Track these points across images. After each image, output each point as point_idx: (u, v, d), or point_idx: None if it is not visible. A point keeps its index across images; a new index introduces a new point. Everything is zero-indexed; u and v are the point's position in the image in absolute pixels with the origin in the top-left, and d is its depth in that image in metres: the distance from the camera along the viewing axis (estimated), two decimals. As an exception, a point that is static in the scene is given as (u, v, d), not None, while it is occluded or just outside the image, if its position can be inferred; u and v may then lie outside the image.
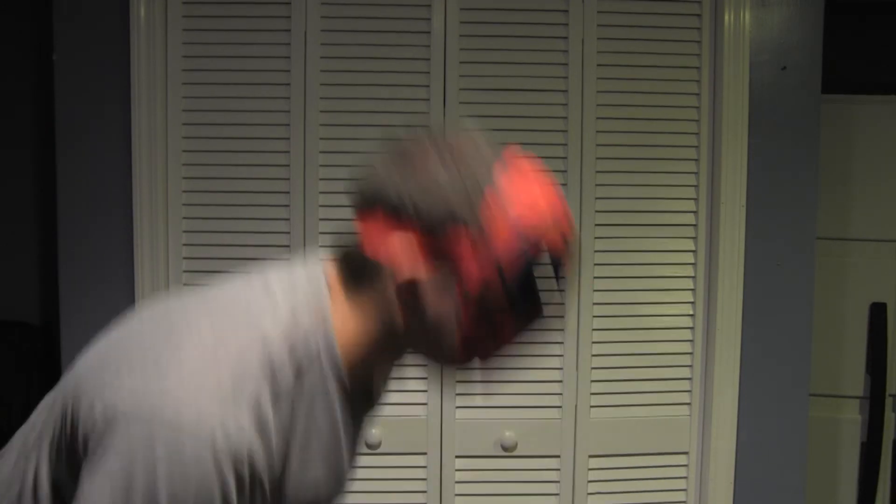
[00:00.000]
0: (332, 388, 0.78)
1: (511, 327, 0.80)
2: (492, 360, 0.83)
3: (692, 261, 1.78)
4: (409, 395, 1.75)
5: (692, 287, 1.79)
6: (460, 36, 1.72)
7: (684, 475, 1.81)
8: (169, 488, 0.65)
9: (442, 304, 0.76)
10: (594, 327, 1.76)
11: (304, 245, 1.73)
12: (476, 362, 0.84)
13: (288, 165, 1.72)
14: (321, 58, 1.71)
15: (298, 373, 0.74)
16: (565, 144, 1.74)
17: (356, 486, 1.88)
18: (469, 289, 0.75)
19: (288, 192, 1.73)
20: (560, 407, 1.77)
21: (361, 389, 0.83)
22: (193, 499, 0.66)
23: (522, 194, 0.74)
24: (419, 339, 0.81)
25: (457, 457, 1.77)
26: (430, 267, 0.75)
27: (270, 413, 0.71)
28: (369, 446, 1.75)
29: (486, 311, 0.77)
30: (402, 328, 0.79)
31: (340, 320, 0.78)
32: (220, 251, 1.74)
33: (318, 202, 1.73)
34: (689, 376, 1.79)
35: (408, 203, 0.73)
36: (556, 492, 1.78)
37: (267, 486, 0.73)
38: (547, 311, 0.80)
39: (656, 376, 1.79)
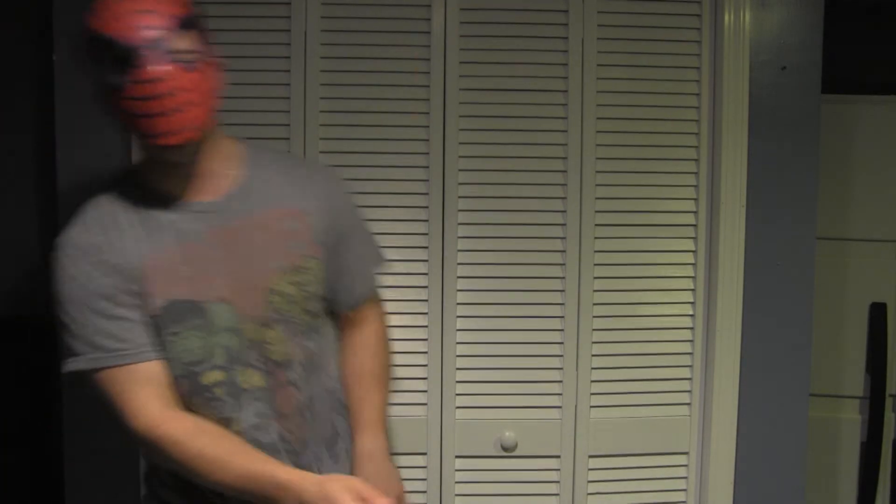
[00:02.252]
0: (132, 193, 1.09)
1: (125, 96, 0.99)
2: (159, 125, 1.01)
3: (692, 261, 1.78)
4: (409, 396, 1.75)
5: (692, 287, 1.79)
6: (460, 36, 1.72)
7: (684, 475, 1.81)
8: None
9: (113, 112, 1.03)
10: (594, 327, 1.76)
11: (304, 245, 1.73)
12: (156, 133, 1.01)
13: (288, 165, 1.72)
14: (321, 58, 1.71)
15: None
16: (565, 144, 1.74)
17: (356, 486, 1.86)
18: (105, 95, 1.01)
19: (288, 193, 1.72)
20: (560, 407, 1.77)
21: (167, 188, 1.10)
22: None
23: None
24: (138, 140, 1.07)
25: (457, 457, 1.77)
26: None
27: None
28: (369, 446, 1.75)
29: (117, 102, 1.00)
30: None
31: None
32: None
33: (318, 202, 1.73)
34: (689, 376, 1.79)
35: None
36: (556, 492, 1.78)
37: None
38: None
39: (656, 376, 1.79)
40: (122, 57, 0.97)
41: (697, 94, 1.76)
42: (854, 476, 2.20)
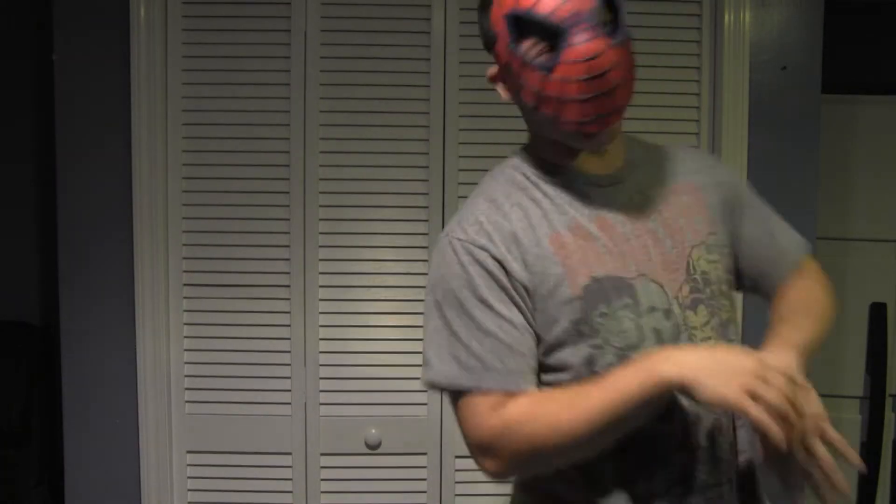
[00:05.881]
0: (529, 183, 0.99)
1: (555, 79, 0.89)
2: (593, 108, 0.89)
3: (692, 261, 1.78)
4: (409, 396, 1.75)
5: (692, 287, 1.78)
6: (460, 36, 1.72)
7: (684, 475, 1.81)
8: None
9: (520, 88, 0.95)
10: (594, 327, 1.76)
11: (304, 244, 1.73)
12: (589, 119, 0.90)
13: (288, 165, 1.72)
14: (321, 58, 1.71)
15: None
16: (565, 144, 1.74)
17: (356, 486, 1.88)
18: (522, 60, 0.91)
19: (288, 193, 1.73)
20: (560, 407, 1.77)
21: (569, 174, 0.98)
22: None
23: None
24: (538, 125, 1.00)
25: (456, 457, 1.76)
26: (500, 70, 1.00)
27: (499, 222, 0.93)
28: (369, 446, 1.75)
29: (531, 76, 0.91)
30: (527, 120, 1.04)
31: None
32: (220, 251, 1.74)
33: (318, 202, 1.73)
34: (689, 376, 1.79)
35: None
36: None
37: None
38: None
39: (656, 376, 1.78)
40: (551, 36, 0.86)
41: (697, 94, 1.76)
42: (854, 476, 2.20)
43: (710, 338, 0.97)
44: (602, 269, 0.92)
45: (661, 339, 0.92)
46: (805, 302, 1.08)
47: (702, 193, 1.03)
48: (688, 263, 0.96)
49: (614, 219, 0.95)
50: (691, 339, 0.94)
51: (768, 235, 1.10)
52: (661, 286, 0.94)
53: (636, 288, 0.93)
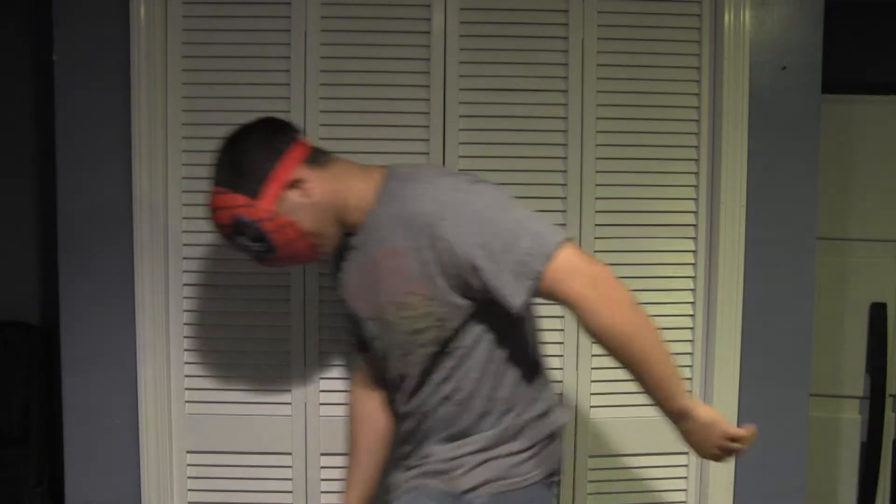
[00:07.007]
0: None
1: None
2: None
3: (692, 261, 1.78)
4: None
5: (692, 287, 1.79)
6: (460, 36, 1.72)
7: (684, 475, 1.81)
8: None
9: None
10: (594, 327, 1.76)
11: (304, 245, 1.73)
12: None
13: (288, 165, 1.72)
14: (321, 58, 1.71)
15: None
16: (565, 144, 1.74)
17: (356, 486, 1.84)
18: None
19: (288, 192, 1.72)
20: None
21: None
22: None
23: None
24: None
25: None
26: None
27: None
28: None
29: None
30: None
31: None
32: (220, 251, 1.74)
33: (318, 202, 1.73)
34: (690, 376, 1.79)
35: None
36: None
37: None
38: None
39: (656, 376, 1.78)
40: None
41: (697, 95, 1.76)
42: (854, 476, 2.20)
43: (403, 369, 1.34)
44: (354, 305, 1.40)
45: (383, 354, 1.38)
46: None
47: (407, 258, 1.23)
48: (383, 315, 1.31)
49: (354, 275, 1.36)
50: (392, 365, 1.36)
51: (493, 282, 1.20)
52: (377, 323, 1.35)
53: (364, 321, 1.38)
